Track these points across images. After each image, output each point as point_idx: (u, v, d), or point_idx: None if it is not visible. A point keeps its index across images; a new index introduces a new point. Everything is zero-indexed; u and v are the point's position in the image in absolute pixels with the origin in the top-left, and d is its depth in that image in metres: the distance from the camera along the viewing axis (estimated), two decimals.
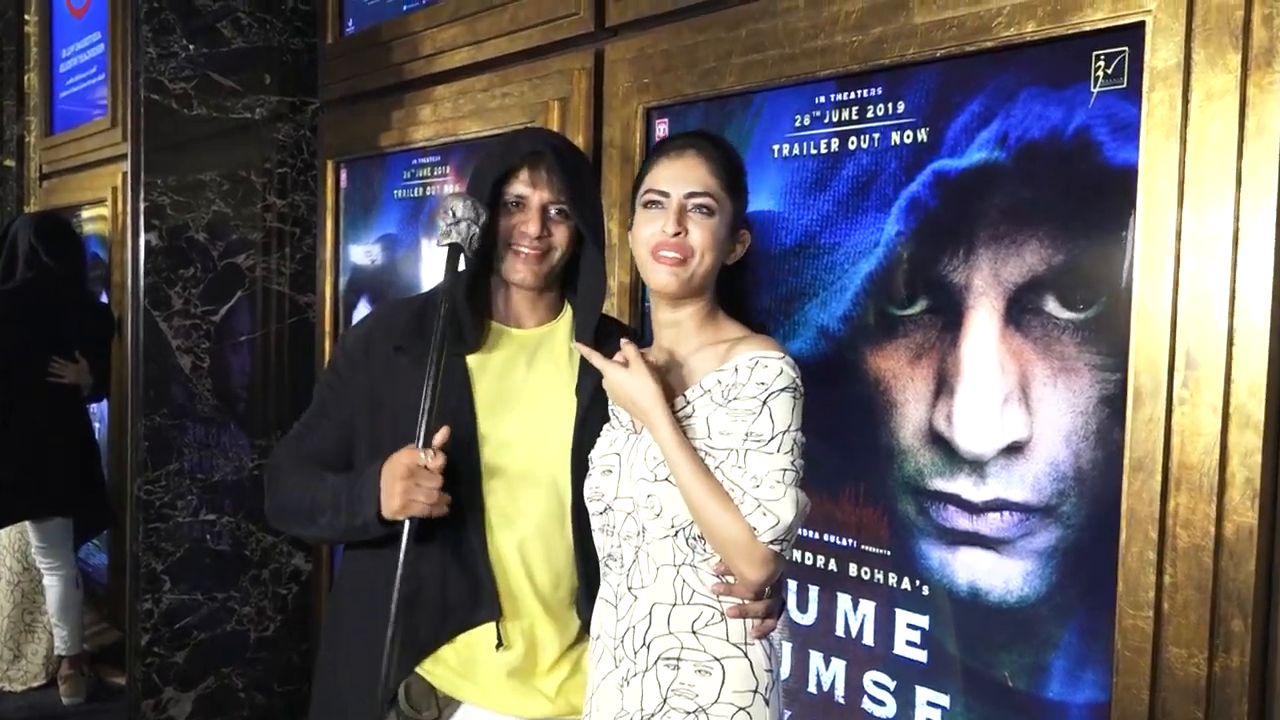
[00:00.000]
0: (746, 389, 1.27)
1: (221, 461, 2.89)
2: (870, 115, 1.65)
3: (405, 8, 2.66)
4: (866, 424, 1.65)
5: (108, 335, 3.70)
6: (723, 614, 1.32)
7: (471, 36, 2.41)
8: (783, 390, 1.27)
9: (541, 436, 1.46)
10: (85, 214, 4.45)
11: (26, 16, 5.17)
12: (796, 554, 1.75)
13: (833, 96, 1.70)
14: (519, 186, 1.44)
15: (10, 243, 3.39)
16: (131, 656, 2.85)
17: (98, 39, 4.15)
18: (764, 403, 1.26)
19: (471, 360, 1.47)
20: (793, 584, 1.76)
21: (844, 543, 1.69)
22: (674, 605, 1.32)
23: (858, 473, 1.67)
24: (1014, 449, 1.47)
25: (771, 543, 1.24)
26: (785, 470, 1.25)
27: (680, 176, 1.34)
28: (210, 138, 2.84)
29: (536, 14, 2.23)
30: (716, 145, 1.38)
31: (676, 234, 1.32)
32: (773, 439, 1.25)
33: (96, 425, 3.90)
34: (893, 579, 1.63)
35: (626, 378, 1.33)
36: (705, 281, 1.35)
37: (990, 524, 1.50)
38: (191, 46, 2.77)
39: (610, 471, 1.39)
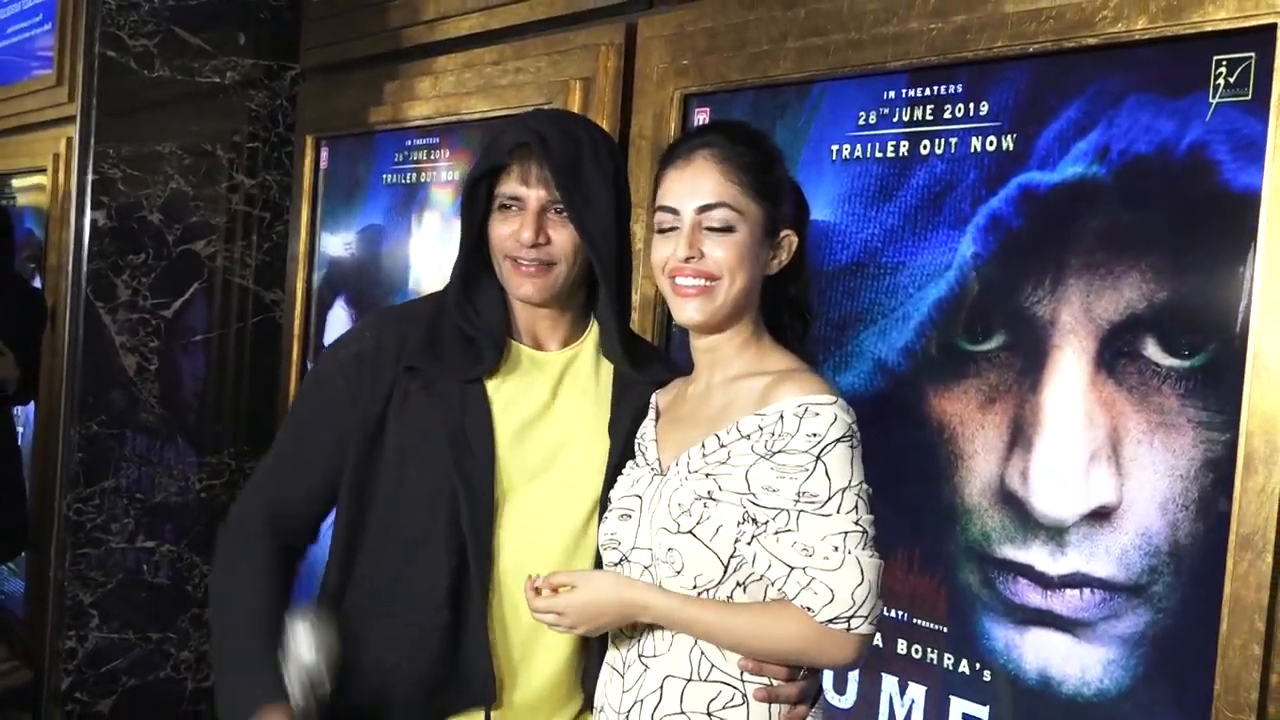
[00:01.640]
0: (795, 441, 1.25)
1: (165, 480, 2.90)
2: (948, 116, 1.66)
3: None
4: (925, 477, 1.65)
5: (39, 326, 3.71)
6: (746, 696, 1.31)
7: (482, 1, 2.42)
8: (838, 441, 1.25)
9: (566, 482, 1.45)
10: (17, 183, 4.48)
11: None
12: None
13: (904, 92, 1.71)
14: (511, 185, 1.41)
15: None
16: (49, 702, 2.85)
17: None
18: (817, 458, 1.25)
19: (492, 389, 1.44)
20: None
21: (892, 614, 1.68)
22: (689, 680, 1.31)
23: (912, 534, 1.66)
24: (1100, 515, 1.47)
25: (832, 621, 1.23)
26: (846, 533, 1.24)
27: (689, 188, 1.32)
28: (172, 103, 2.87)
29: None
30: (735, 139, 1.35)
31: (689, 258, 1.30)
32: (830, 499, 1.24)
33: (20, 431, 3.91)
34: (948, 660, 1.63)
35: (583, 600, 1.32)
36: (739, 306, 1.34)
37: (1067, 602, 1.50)
38: None
39: (629, 516, 1.38)
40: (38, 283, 4.09)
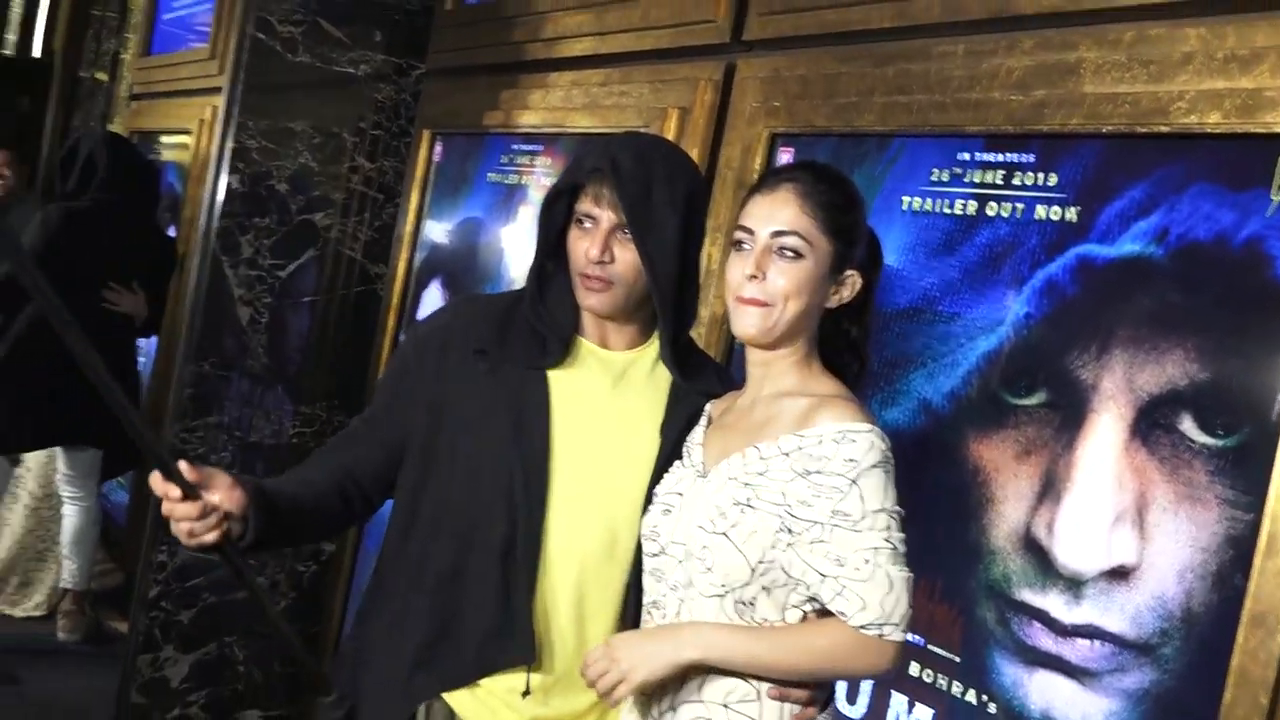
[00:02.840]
0: (833, 464, 1.23)
1: (262, 423, 2.91)
2: (1016, 182, 1.60)
3: None
4: (955, 514, 1.60)
5: (169, 270, 3.78)
6: (760, 693, 1.28)
7: (598, 26, 2.40)
8: (874, 466, 1.23)
9: (616, 472, 1.44)
10: (165, 140, 4.56)
11: None
12: None
13: (978, 155, 1.65)
14: (587, 204, 1.41)
15: (86, 159, 3.46)
16: (136, 607, 2.89)
17: None
18: (853, 481, 1.22)
19: (553, 377, 1.44)
20: None
21: (909, 637, 1.63)
22: (709, 673, 1.29)
23: (935, 565, 1.61)
24: (1118, 574, 1.41)
25: (864, 627, 1.21)
26: (876, 549, 1.21)
27: (768, 214, 1.30)
28: (308, 87, 2.87)
29: (670, 15, 2.21)
30: (820, 178, 1.33)
31: (753, 277, 1.29)
32: (863, 519, 1.22)
33: (140, 360, 3.98)
34: (957, 688, 1.58)
35: (626, 665, 1.28)
36: (794, 329, 1.32)
37: (1077, 650, 1.44)
38: None
39: (670, 511, 1.36)
40: (172, 232, 4.15)
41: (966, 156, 1.67)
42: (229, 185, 2.80)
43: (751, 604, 1.27)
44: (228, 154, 2.80)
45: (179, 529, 1.27)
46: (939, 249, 1.69)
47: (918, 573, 1.59)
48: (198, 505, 1.26)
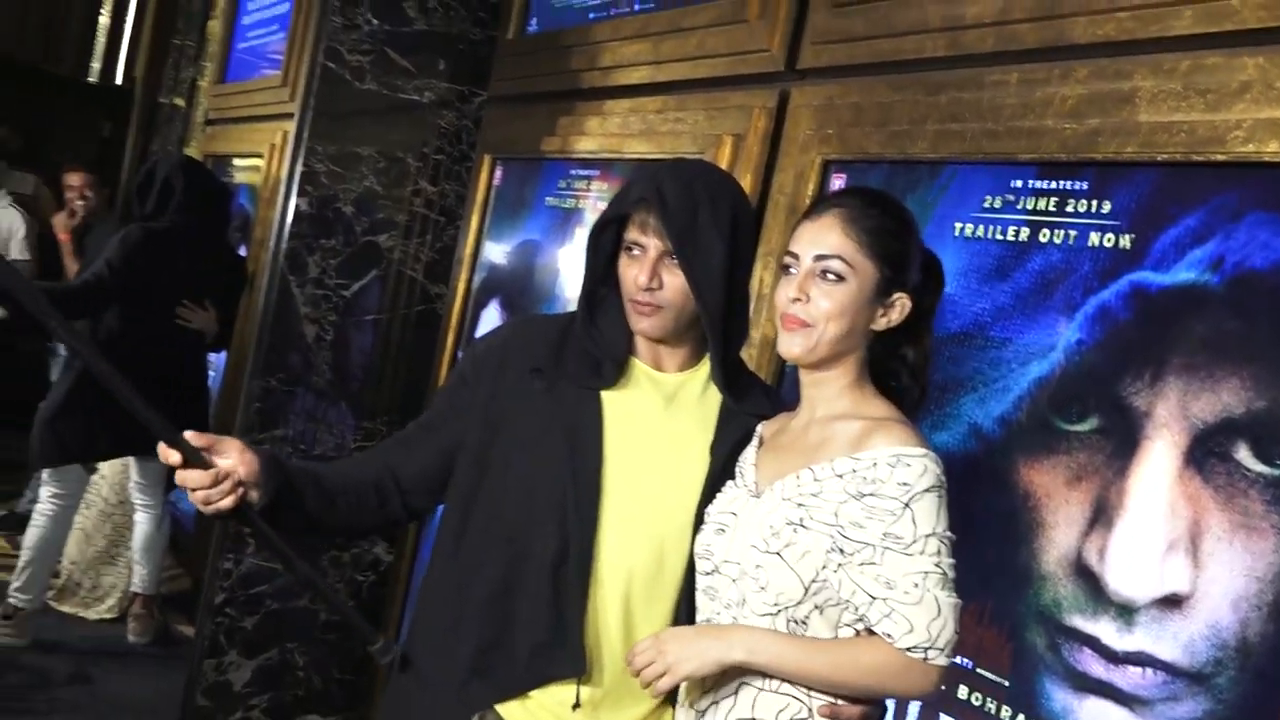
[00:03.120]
0: (886, 487, 1.22)
1: (325, 436, 2.95)
2: (1069, 209, 1.58)
3: (591, 15, 2.68)
4: (1004, 538, 1.57)
5: (240, 289, 3.85)
6: (811, 710, 1.27)
7: (653, 56, 2.41)
8: (927, 491, 1.22)
9: (667, 491, 1.43)
10: (238, 163, 4.65)
11: None
12: None
13: (1031, 183, 1.63)
14: (634, 232, 1.41)
15: (163, 182, 3.53)
16: (203, 612, 2.93)
17: None
18: (906, 505, 1.21)
19: (607, 398, 1.45)
20: None
21: (958, 660, 1.61)
22: (761, 690, 1.28)
23: (984, 589, 1.58)
24: (1171, 602, 1.37)
25: (909, 650, 1.19)
26: (927, 573, 1.20)
27: (813, 238, 1.30)
28: (375, 113, 2.92)
29: (725, 44, 2.22)
30: (870, 203, 1.32)
31: (796, 299, 1.29)
32: (914, 542, 1.20)
33: (210, 374, 4.05)
34: (1006, 712, 1.54)
35: (672, 659, 1.27)
36: (837, 349, 1.31)
37: (1129, 677, 1.40)
38: (375, 21, 2.86)
39: (723, 531, 1.35)
40: (243, 251, 4.23)
41: (1019, 183, 1.65)
42: (298, 207, 2.85)
43: (804, 622, 1.26)
44: (297, 177, 2.85)
45: (194, 497, 1.27)
46: (990, 274, 1.67)
47: (968, 595, 1.57)
48: (209, 473, 1.26)
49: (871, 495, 1.22)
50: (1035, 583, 1.53)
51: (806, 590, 1.25)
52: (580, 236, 2.62)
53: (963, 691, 1.60)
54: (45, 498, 3.54)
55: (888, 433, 1.26)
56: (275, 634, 2.92)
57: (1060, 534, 1.51)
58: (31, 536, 3.51)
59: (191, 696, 2.87)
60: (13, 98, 6.35)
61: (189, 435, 1.26)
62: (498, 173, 2.98)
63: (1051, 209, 1.60)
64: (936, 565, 1.20)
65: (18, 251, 4.67)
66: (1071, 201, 1.58)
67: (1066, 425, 1.53)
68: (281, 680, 2.95)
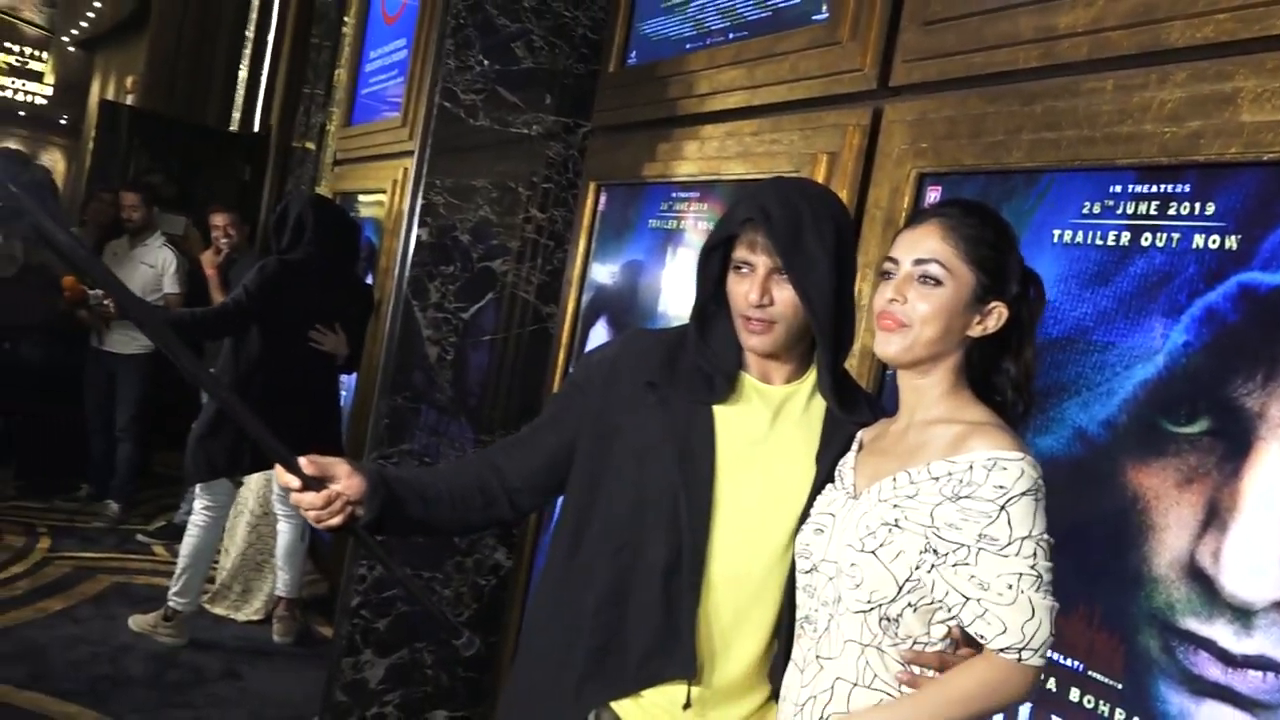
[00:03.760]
0: (982, 490, 1.18)
1: (448, 450, 3.00)
2: (1172, 212, 1.50)
3: (688, 46, 2.69)
4: (1114, 541, 1.50)
5: (367, 314, 3.95)
6: None
7: (749, 80, 2.40)
8: (1023, 494, 1.17)
9: (776, 499, 1.42)
10: (363, 199, 4.79)
11: (346, 19, 5.65)
12: None
13: (1131, 187, 1.56)
14: (742, 252, 1.40)
15: (296, 219, 3.66)
16: (341, 615, 3.00)
17: (402, 45, 4.47)
18: (1002, 508, 1.17)
19: (718, 411, 1.44)
20: None
21: (1069, 663, 1.54)
22: (855, 685, 1.26)
23: (1095, 592, 1.51)
24: None
25: (1003, 651, 1.15)
26: (1021, 575, 1.16)
27: (912, 244, 1.28)
28: (487, 147, 2.97)
29: (819, 66, 2.19)
30: (969, 213, 1.29)
31: (893, 300, 1.27)
32: (1009, 544, 1.16)
33: (342, 394, 4.17)
34: (1120, 715, 1.47)
35: None
36: (932, 351, 1.28)
37: (1249, 682, 1.32)
38: (486, 62, 2.92)
39: (822, 531, 1.34)
40: (369, 279, 4.36)
41: (1118, 189, 1.58)
42: (419, 237, 2.91)
43: (896, 620, 1.24)
44: (418, 210, 2.92)
45: (308, 515, 1.35)
46: (1091, 280, 1.60)
47: (1076, 598, 1.51)
48: (322, 495, 1.33)
49: (967, 498, 1.19)
50: (1147, 585, 1.45)
51: (900, 589, 1.22)
52: (682, 256, 2.62)
53: (1074, 694, 1.53)
54: (198, 509, 3.69)
55: (984, 436, 1.22)
56: (406, 635, 2.98)
57: (1172, 536, 1.43)
58: (187, 545, 3.66)
59: (331, 693, 2.94)
60: (165, 148, 6.69)
61: (304, 463, 1.33)
62: (602, 198, 3.00)
63: (1153, 212, 1.53)
64: (1032, 567, 1.16)
65: (170, 286, 4.90)
66: (1174, 204, 1.50)
67: (1175, 428, 1.45)
68: (411, 678, 3.01)
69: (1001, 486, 1.17)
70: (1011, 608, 1.15)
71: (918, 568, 1.21)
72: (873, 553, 1.23)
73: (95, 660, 3.43)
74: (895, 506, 1.24)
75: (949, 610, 1.20)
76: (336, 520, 1.35)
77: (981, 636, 1.17)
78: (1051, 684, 1.56)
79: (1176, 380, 1.46)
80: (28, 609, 3.76)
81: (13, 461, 5.35)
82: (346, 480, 1.36)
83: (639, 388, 1.45)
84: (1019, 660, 1.16)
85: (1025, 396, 1.32)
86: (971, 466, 1.20)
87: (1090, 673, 1.51)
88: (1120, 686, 1.47)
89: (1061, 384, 1.62)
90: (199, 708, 3.24)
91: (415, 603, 1.56)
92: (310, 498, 1.33)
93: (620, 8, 2.98)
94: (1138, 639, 1.46)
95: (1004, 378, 1.31)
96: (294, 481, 1.32)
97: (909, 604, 1.22)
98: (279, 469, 1.33)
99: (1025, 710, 1.60)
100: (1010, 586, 1.15)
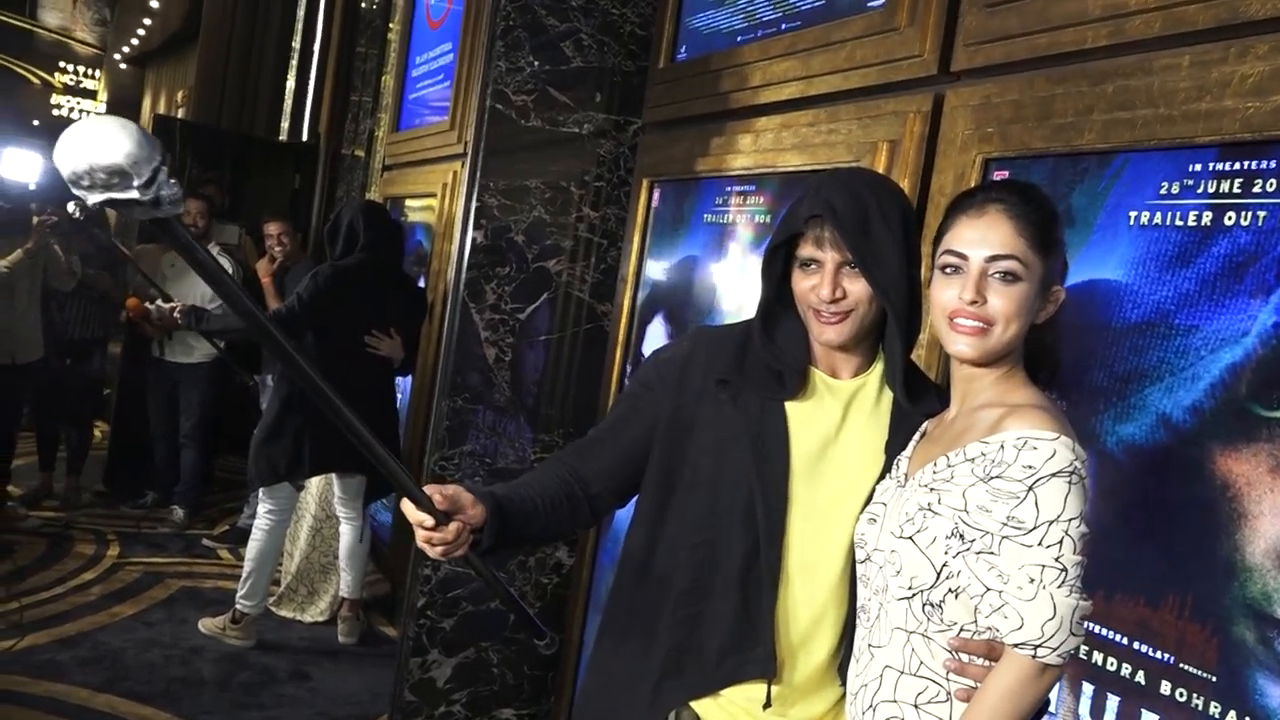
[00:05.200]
0: (1012, 470, 1.15)
1: (507, 449, 3.01)
2: (1257, 190, 1.45)
3: (739, 39, 2.66)
4: (1203, 529, 1.45)
5: (421, 317, 3.98)
6: (949, 694, 1.21)
7: (804, 71, 2.36)
8: (1053, 476, 1.13)
9: (849, 493, 1.40)
10: (412, 204, 4.82)
11: (391, 25, 5.68)
12: (1098, 656, 1.56)
13: (1212, 165, 1.51)
14: (809, 249, 1.38)
15: (348, 226, 3.69)
16: (406, 615, 3.02)
17: (448, 49, 4.48)
18: (1030, 488, 1.13)
19: (790, 407, 1.42)
20: (1088, 688, 1.58)
21: (1158, 656, 1.49)
22: (902, 673, 1.24)
23: (1184, 582, 1.47)
24: None
25: (1018, 646, 1.12)
26: (1044, 567, 1.12)
27: (981, 238, 1.23)
28: (539, 147, 2.97)
29: (875, 54, 2.15)
30: (1026, 198, 1.25)
31: (974, 302, 1.22)
32: (1035, 529, 1.12)
33: (398, 397, 4.20)
34: (1215, 708, 1.42)
35: None
36: (1010, 348, 1.25)
37: None
38: (536, 63, 2.91)
39: (874, 520, 1.33)
40: (422, 283, 4.38)
41: (1198, 167, 1.53)
42: (474, 240, 2.92)
43: (939, 606, 1.22)
44: (472, 212, 2.92)
45: (434, 551, 1.28)
46: (1171, 262, 1.55)
47: (1163, 590, 1.46)
48: (453, 529, 1.27)
49: (998, 478, 1.16)
50: (1241, 575, 1.40)
51: (939, 575, 1.20)
52: (738, 250, 2.59)
53: (1165, 687, 1.48)
54: (261, 513, 3.73)
55: (1023, 417, 1.18)
56: (472, 634, 2.99)
57: (1266, 524, 1.38)
58: (252, 549, 3.71)
59: (400, 692, 2.96)
60: (217, 159, 6.78)
61: (436, 498, 1.26)
62: (655, 195, 2.98)
63: (1236, 190, 1.48)
64: (1056, 559, 1.12)
65: None
66: (1259, 181, 1.45)
67: (1267, 412, 1.40)
68: (478, 677, 3.02)
69: (1030, 466, 1.13)
70: (1031, 603, 1.11)
71: (946, 552, 1.19)
72: (910, 538, 1.22)
73: (168, 663, 3.49)
74: (931, 490, 1.23)
75: (971, 599, 1.18)
76: (462, 551, 1.30)
77: (996, 630, 1.14)
78: (1140, 677, 1.51)
79: (1266, 363, 1.41)
80: (101, 614, 3.84)
81: (94, 471, 5.45)
82: (471, 510, 1.31)
83: (709, 386, 1.44)
84: (1034, 657, 1.12)
85: (1054, 359, 1.32)
86: (1003, 445, 1.16)
87: (1182, 665, 1.47)
88: (1215, 679, 1.43)
89: (1142, 370, 1.57)
90: (269, 708, 3.28)
91: (511, 608, 1.54)
92: (441, 534, 1.27)
93: (668, 3, 2.96)
94: (1232, 630, 1.41)
95: (1039, 347, 1.30)
96: (428, 520, 1.25)
97: (950, 590, 1.20)
98: (407, 506, 1.26)
99: (1112, 702, 1.56)
100: (1032, 580, 1.12)
